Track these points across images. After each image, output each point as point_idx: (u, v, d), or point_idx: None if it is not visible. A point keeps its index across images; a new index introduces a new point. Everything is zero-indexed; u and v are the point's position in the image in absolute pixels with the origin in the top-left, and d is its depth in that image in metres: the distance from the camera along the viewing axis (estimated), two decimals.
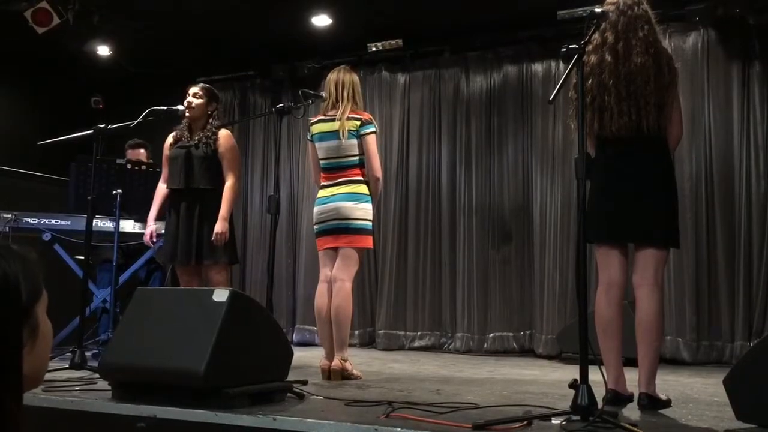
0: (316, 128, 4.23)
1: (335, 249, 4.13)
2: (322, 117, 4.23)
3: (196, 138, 4.40)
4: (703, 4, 5.63)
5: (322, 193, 4.19)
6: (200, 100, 4.44)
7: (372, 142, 4.16)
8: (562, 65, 5.94)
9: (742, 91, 5.55)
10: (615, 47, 3.07)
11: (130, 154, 5.61)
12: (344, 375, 3.92)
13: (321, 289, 4.15)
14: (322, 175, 4.23)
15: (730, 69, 5.60)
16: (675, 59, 3.21)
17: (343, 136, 4.11)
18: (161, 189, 4.52)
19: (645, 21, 3.10)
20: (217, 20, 6.21)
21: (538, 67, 6.29)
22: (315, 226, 4.20)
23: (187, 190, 4.36)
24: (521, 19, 6.06)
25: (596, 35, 3.05)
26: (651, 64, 3.04)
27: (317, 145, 4.21)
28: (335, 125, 4.14)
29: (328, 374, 3.92)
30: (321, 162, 4.22)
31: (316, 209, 4.19)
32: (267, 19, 6.14)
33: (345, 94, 4.18)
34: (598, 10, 2.91)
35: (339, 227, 4.09)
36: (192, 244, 4.32)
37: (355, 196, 4.10)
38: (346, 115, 4.13)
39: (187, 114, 4.40)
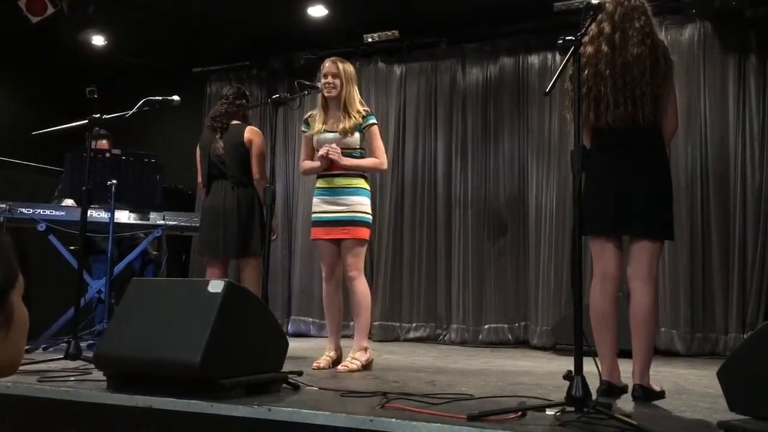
0: None
1: None
2: None
3: None
4: None
5: None
6: None
7: None
8: (558, 57, 5.88)
9: (738, 83, 5.56)
10: (611, 38, 3.07)
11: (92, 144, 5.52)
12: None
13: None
14: None
15: (726, 62, 5.60)
16: (671, 51, 3.21)
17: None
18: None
19: (642, 12, 3.10)
20: (213, 11, 6.18)
21: (534, 59, 6.29)
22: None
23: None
24: (518, 11, 6.05)
25: (593, 26, 3.04)
26: (647, 55, 3.03)
27: None
28: None
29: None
30: None
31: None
32: (263, 9, 6.11)
33: None
34: (594, 1, 2.90)
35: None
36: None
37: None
38: None
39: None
